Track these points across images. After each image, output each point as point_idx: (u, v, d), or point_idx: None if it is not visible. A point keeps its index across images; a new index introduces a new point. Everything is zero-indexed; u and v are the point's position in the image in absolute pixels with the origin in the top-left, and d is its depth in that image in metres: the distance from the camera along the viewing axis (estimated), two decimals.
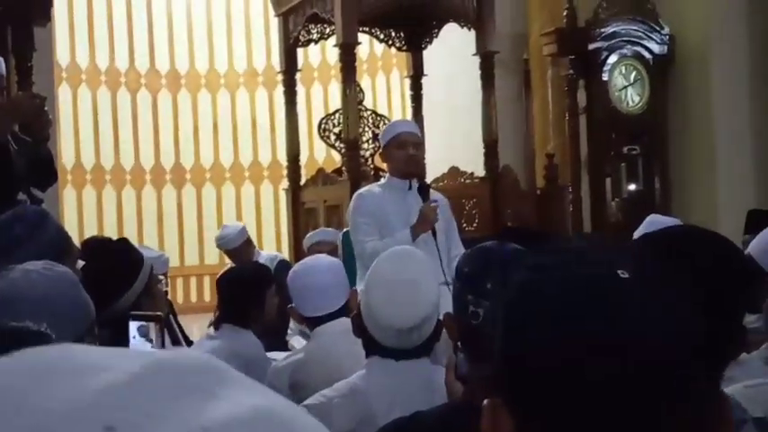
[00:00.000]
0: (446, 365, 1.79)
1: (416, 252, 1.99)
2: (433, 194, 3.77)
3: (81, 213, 8.54)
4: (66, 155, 8.27)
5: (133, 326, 1.68)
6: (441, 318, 1.72)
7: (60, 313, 1.28)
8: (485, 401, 0.65)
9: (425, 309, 1.76)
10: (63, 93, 8.13)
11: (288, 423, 0.30)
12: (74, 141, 8.42)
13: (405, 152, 3.68)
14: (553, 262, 0.63)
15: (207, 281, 8.97)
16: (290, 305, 2.57)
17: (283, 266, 4.51)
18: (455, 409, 1.50)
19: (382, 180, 3.96)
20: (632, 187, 6.41)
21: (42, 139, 3.72)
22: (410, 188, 3.68)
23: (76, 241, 6.75)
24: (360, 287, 2.59)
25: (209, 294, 8.94)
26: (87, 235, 7.43)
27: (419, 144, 3.82)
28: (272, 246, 8.20)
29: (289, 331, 4.18)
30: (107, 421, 0.27)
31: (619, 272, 0.60)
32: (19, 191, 3.51)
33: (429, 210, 3.50)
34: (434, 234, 3.44)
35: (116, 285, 2.03)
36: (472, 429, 0.67)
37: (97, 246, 3.07)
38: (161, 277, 2.39)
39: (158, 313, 1.82)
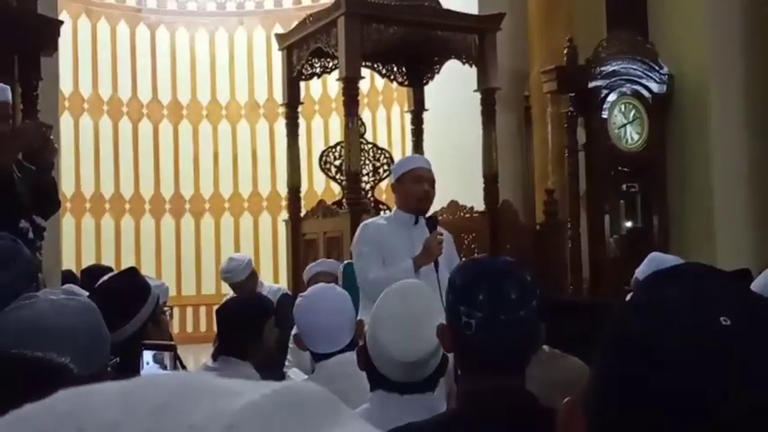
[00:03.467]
0: (447, 394, 1.79)
1: (423, 286, 2.00)
2: (439, 229, 3.79)
3: (79, 241, 8.54)
4: (66, 183, 8.29)
5: (147, 354, 1.69)
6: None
7: (84, 345, 1.29)
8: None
9: (431, 343, 1.77)
10: (65, 121, 8.17)
11: None
12: (74, 170, 8.45)
13: (421, 187, 3.71)
14: (656, 310, 0.65)
15: (203, 311, 8.95)
16: (294, 333, 2.57)
17: (286, 299, 4.50)
18: (449, 419, 1.51)
19: (388, 213, 3.98)
20: (630, 224, 6.43)
21: (46, 168, 3.74)
22: (416, 222, 3.70)
23: (74, 269, 6.72)
24: (364, 316, 2.60)
25: (205, 324, 8.92)
26: (85, 263, 7.43)
27: (433, 182, 3.84)
28: (269, 277, 8.19)
29: (287, 363, 4.16)
30: None
31: (721, 319, 0.62)
32: (22, 218, 3.53)
33: (433, 242, 3.51)
34: (437, 267, 3.45)
35: (122, 312, 2.05)
36: None
37: (101, 272, 3.07)
38: (166, 308, 2.40)
39: (172, 343, 1.83)
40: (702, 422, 0.59)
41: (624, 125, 6.44)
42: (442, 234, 3.62)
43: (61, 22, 5.04)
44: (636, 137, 6.47)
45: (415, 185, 3.71)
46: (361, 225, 3.83)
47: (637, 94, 6.48)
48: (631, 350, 0.63)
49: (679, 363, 0.60)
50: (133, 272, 2.28)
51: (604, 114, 6.35)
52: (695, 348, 0.61)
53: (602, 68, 6.32)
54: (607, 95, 6.36)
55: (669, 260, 3.39)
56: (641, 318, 0.65)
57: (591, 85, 6.28)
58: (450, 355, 1.71)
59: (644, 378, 0.62)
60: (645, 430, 0.61)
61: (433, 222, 3.66)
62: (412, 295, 1.87)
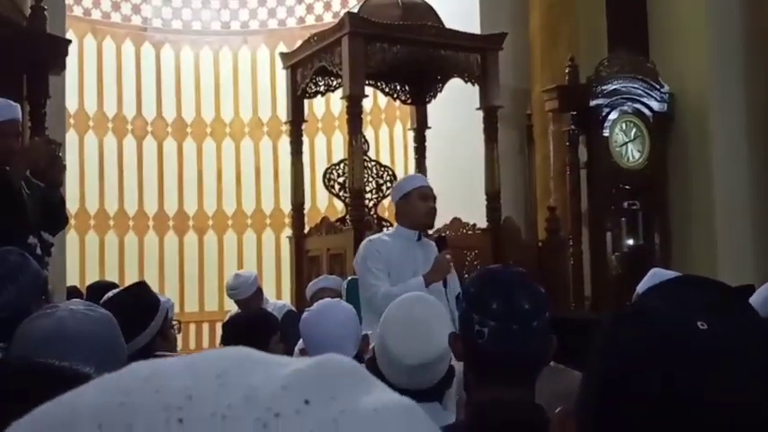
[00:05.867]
0: (457, 403, 1.82)
1: (430, 297, 2.04)
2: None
3: (83, 257, 8.57)
4: (70, 199, 8.30)
5: None
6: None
7: (103, 354, 1.32)
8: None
9: (438, 349, 1.80)
10: (70, 138, 8.20)
11: (426, 417, 0.39)
12: (78, 186, 8.49)
13: (427, 204, 3.80)
14: (639, 317, 0.68)
15: (206, 327, 8.96)
16: (300, 348, 2.60)
17: (291, 316, 4.53)
18: (459, 428, 1.53)
19: (390, 230, 4.03)
20: (632, 242, 6.47)
21: (55, 185, 3.79)
22: (419, 239, 3.75)
23: (79, 285, 6.73)
24: (367, 331, 2.63)
25: (207, 341, 8.93)
26: (89, 279, 7.46)
27: (435, 199, 3.93)
28: (272, 293, 8.21)
29: None
30: (302, 396, 0.35)
31: (698, 324, 0.65)
32: (30, 234, 3.57)
33: (444, 260, 3.56)
34: (445, 284, 3.49)
35: (133, 325, 2.08)
36: None
37: (106, 288, 3.11)
38: (175, 322, 2.43)
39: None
40: (681, 422, 0.62)
41: (625, 143, 6.49)
42: (449, 253, 3.70)
43: (69, 41, 5.10)
44: (637, 155, 6.51)
45: (422, 202, 3.78)
46: (365, 241, 3.87)
47: (638, 113, 6.53)
48: (614, 355, 0.67)
49: (658, 365, 0.63)
50: (143, 286, 2.32)
51: (606, 132, 6.40)
52: (673, 351, 0.64)
53: (604, 87, 6.37)
54: (608, 114, 6.42)
55: (670, 275, 3.42)
56: (625, 325, 0.68)
57: (592, 103, 6.34)
58: (458, 367, 1.74)
59: (626, 381, 0.64)
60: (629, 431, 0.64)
61: (443, 242, 3.73)
62: (419, 304, 1.92)
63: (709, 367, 0.62)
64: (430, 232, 5.00)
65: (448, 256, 3.61)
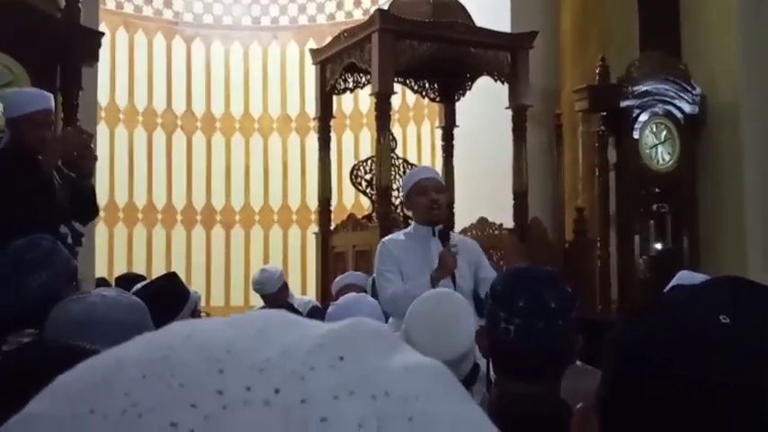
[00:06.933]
0: (480, 403, 1.82)
1: (454, 292, 2.04)
2: (456, 239, 3.77)
3: (112, 250, 8.65)
4: (100, 192, 8.39)
5: None
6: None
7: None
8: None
9: (465, 342, 1.80)
10: (100, 131, 8.29)
11: (452, 378, 0.40)
12: (108, 179, 8.57)
13: (426, 198, 3.67)
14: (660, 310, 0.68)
15: None
16: None
17: (316, 312, 4.55)
18: None
19: (408, 228, 3.98)
20: (660, 245, 6.40)
21: (86, 175, 3.83)
22: (434, 234, 3.68)
23: (107, 277, 6.80)
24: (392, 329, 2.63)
25: None
26: (117, 272, 7.53)
27: (441, 189, 3.79)
28: (297, 289, 8.24)
29: None
30: (337, 353, 0.37)
31: (720, 317, 0.64)
32: (61, 223, 3.61)
33: (447, 255, 3.48)
34: (453, 280, 3.44)
35: (163, 313, 2.10)
36: None
37: (135, 280, 3.14)
38: (203, 314, 2.45)
39: None
40: (703, 415, 0.61)
41: (655, 145, 6.43)
42: (456, 246, 3.58)
43: (102, 34, 5.16)
44: (667, 157, 6.45)
45: (421, 198, 3.69)
46: (381, 242, 3.84)
47: (669, 115, 6.47)
48: (632, 350, 0.66)
49: (678, 359, 0.62)
50: (174, 277, 2.34)
51: (635, 134, 6.34)
52: (695, 345, 0.63)
53: (635, 88, 6.32)
54: (639, 115, 6.36)
55: (699, 278, 3.39)
56: (642, 317, 0.68)
57: (622, 104, 6.29)
58: (482, 364, 1.74)
59: (641, 372, 0.64)
60: (651, 426, 0.63)
61: (444, 235, 3.63)
62: (443, 299, 1.92)
63: (729, 360, 0.62)
64: (457, 230, 4.98)
65: (453, 249, 3.51)
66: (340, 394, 0.36)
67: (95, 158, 3.90)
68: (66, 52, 4.69)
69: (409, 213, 6.58)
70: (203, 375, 0.36)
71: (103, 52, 5.39)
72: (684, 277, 3.74)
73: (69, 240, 3.56)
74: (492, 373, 1.56)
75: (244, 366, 0.36)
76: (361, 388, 0.36)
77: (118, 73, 8.85)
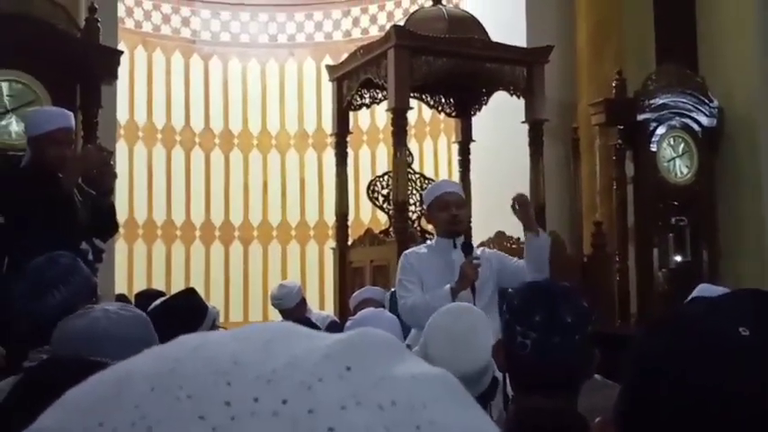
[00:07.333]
0: (497, 420, 1.81)
1: (473, 307, 2.04)
2: (477, 252, 3.79)
3: (131, 266, 8.71)
4: (119, 209, 8.45)
5: None
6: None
7: (135, 353, 1.34)
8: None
9: (482, 359, 1.80)
10: (120, 148, 8.37)
11: (460, 387, 0.41)
12: (128, 196, 8.64)
13: (447, 213, 3.73)
14: (679, 322, 0.68)
15: None
16: None
17: (334, 326, 4.55)
18: None
19: (430, 241, 4.02)
20: (680, 258, 6.37)
21: (106, 192, 3.87)
22: (455, 247, 3.71)
23: (127, 294, 6.84)
24: (409, 344, 2.63)
25: None
26: (137, 288, 7.57)
27: (461, 204, 3.84)
28: (315, 304, 8.25)
29: None
30: (344, 363, 0.38)
31: (740, 329, 0.64)
32: (82, 240, 3.65)
33: (469, 267, 3.50)
34: (474, 291, 3.45)
35: (182, 329, 2.12)
36: None
37: (155, 296, 3.16)
38: (221, 329, 2.47)
39: None
40: (720, 425, 0.61)
41: (673, 158, 6.41)
42: (478, 258, 3.61)
43: (121, 53, 5.21)
44: (685, 170, 6.43)
45: (442, 213, 3.74)
46: (403, 254, 3.88)
47: (686, 128, 6.45)
48: (649, 364, 0.66)
49: (694, 369, 0.62)
50: (192, 292, 2.36)
51: (653, 147, 6.32)
52: (711, 356, 0.63)
53: (652, 101, 6.31)
54: (656, 128, 6.34)
55: (718, 291, 3.36)
56: (658, 333, 0.68)
57: (640, 117, 6.27)
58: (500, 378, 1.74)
59: (659, 383, 0.64)
60: None
61: (467, 247, 3.66)
62: (462, 312, 1.92)
63: (746, 370, 0.62)
64: (474, 244, 4.98)
65: (476, 262, 3.54)
66: (347, 404, 0.36)
67: (115, 176, 3.94)
68: (86, 71, 4.75)
69: (427, 227, 6.62)
70: (211, 387, 0.36)
71: (122, 71, 5.45)
72: (704, 290, 3.72)
73: (90, 257, 3.59)
74: (509, 387, 1.56)
75: (251, 378, 0.37)
76: (369, 398, 0.36)
77: (137, 91, 8.94)
